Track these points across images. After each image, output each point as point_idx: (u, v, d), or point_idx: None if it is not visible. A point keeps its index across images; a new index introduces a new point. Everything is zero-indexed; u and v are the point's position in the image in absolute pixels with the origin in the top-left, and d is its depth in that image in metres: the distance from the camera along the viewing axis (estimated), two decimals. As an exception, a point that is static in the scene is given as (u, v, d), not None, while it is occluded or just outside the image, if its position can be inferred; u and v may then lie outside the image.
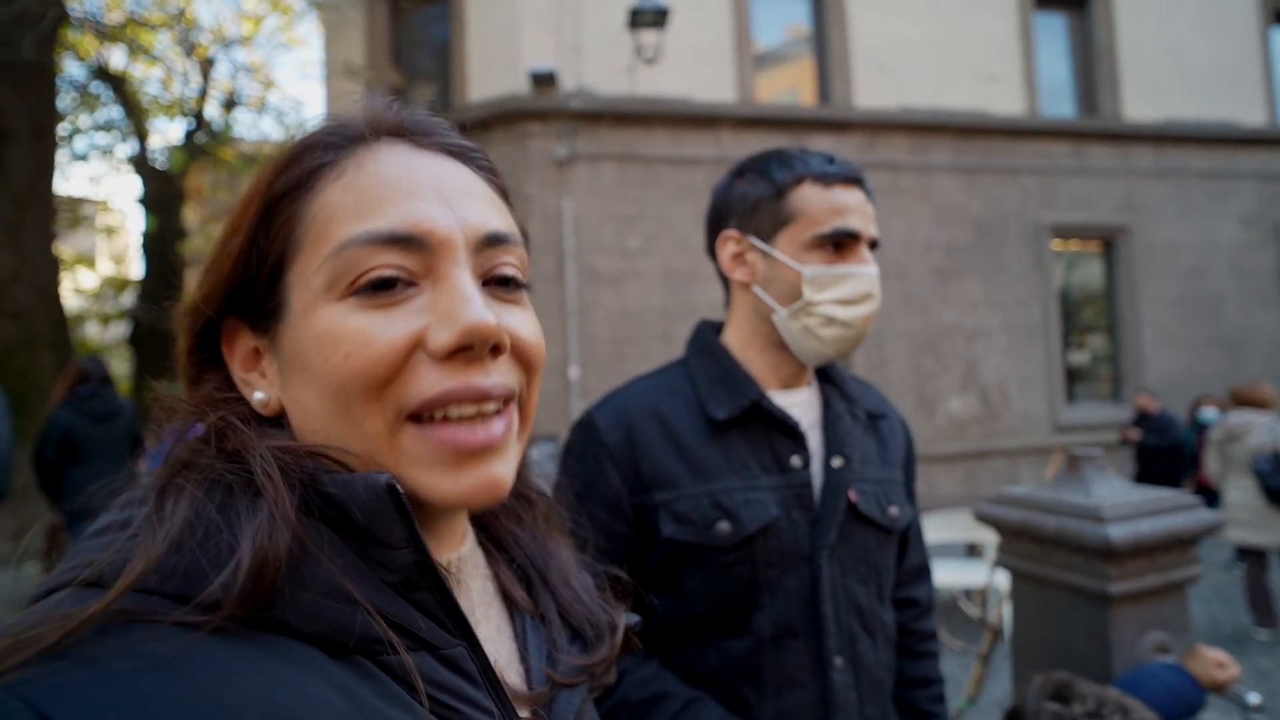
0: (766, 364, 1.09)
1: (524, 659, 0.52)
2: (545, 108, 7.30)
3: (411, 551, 0.42)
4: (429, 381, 0.43)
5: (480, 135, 7.52)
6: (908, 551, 1.18)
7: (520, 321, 0.48)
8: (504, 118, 7.37)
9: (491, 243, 0.47)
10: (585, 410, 1.11)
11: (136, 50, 8.43)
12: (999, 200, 8.43)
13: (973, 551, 5.21)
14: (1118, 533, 1.34)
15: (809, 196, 1.03)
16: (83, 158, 9.91)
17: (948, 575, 4.35)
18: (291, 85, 28.46)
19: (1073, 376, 8.92)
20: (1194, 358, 8.96)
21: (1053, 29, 9.04)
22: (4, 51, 5.80)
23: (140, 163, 9.37)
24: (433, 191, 0.46)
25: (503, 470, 0.45)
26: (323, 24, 8.57)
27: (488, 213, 0.48)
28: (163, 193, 9.14)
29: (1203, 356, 8.99)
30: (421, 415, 0.43)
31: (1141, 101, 8.93)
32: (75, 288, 11.67)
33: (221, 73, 9.87)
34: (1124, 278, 8.87)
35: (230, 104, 9.55)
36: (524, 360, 0.48)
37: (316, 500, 0.41)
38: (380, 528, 0.41)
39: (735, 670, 0.99)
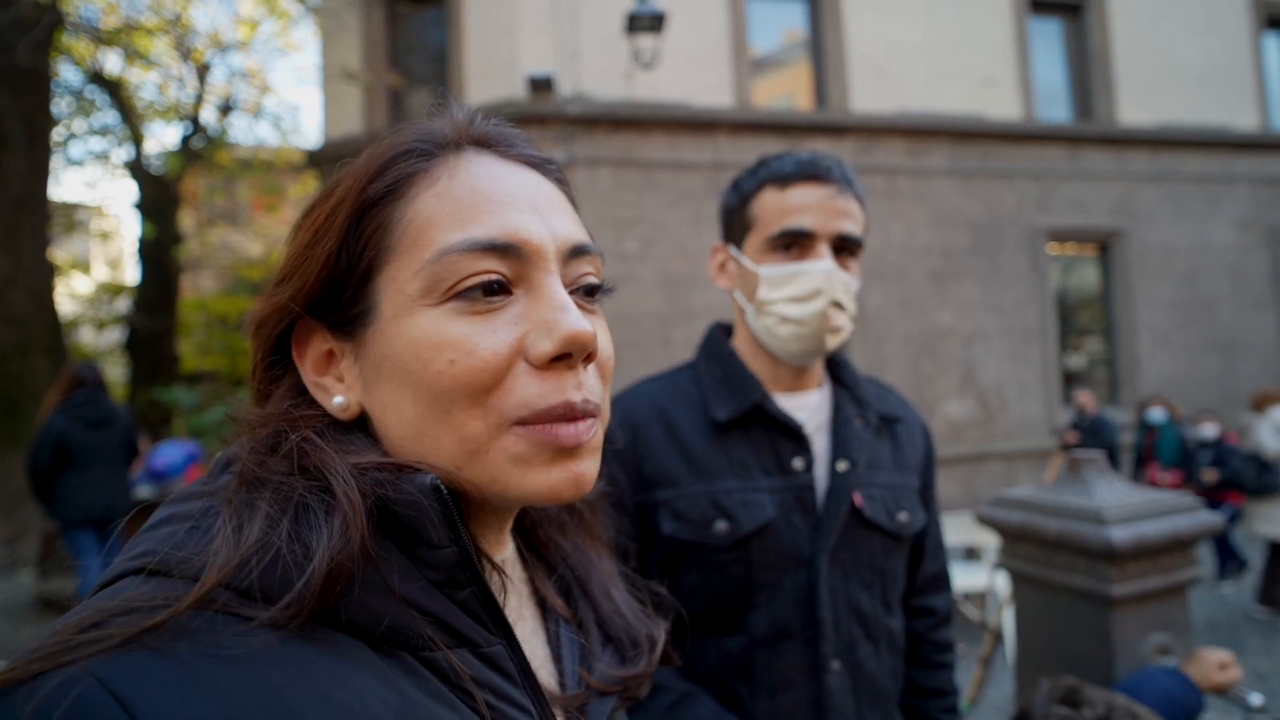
0: (769, 366, 1.10)
1: (557, 662, 0.53)
2: (542, 112, 7.31)
3: (454, 551, 0.42)
4: (532, 392, 0.44)
5: (477, 140, 7.51)
6: (924, 559, 1.17)
7: (602, 332, 0.49)
8: (501, 122, 7.36)
9: (577, 253, 0.48)
10: None
11: (132, 55, 8.42)
12: (995, 204, 8.46)
13: (971, 555, 5.21)
14: (1119, 535, 1.34)
15: (766, 200, 1.06)
16: (78, 163, 9.89)
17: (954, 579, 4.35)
18: (288, 90, 28.35)
19: (1070, 379, 8.94)
20: (1190, 361, 8.99)
21: (1048, 34, 9.09)
22: (0, 57, 5.80)
23: (136, 168, 9.35)
24: (525, 202, 0.46)
25: (589, 468, 0.46)
26: (319, 29, 8.57)
27: (572, 224, 0.49)
28: (159, 198, 9.12)
29: (1198, 359, 9.02)
30: (525, 422, 0.44)
31: (1136, 106, 8.98)
32: (71, 293, 11.63)
33: (218, 78, 9.88)
34: (1120, 281, 8.90)
35: (226, 109, 9.53)
36: (603, 371, 0.49)
37: (373, 506, 0.42)
38: (424, 526, 0.42)
39: (730, 669, 1.00)
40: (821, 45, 8.28)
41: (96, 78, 8.90)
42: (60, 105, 8.85)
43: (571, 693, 0.51)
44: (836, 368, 1.16)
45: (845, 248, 1.04)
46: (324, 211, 0.47)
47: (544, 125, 7.35)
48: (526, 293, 0.45)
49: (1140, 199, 8.95)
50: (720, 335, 1.16)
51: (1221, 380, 9.07)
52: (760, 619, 1.00)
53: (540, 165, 0.51)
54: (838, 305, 1.03)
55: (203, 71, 9.13)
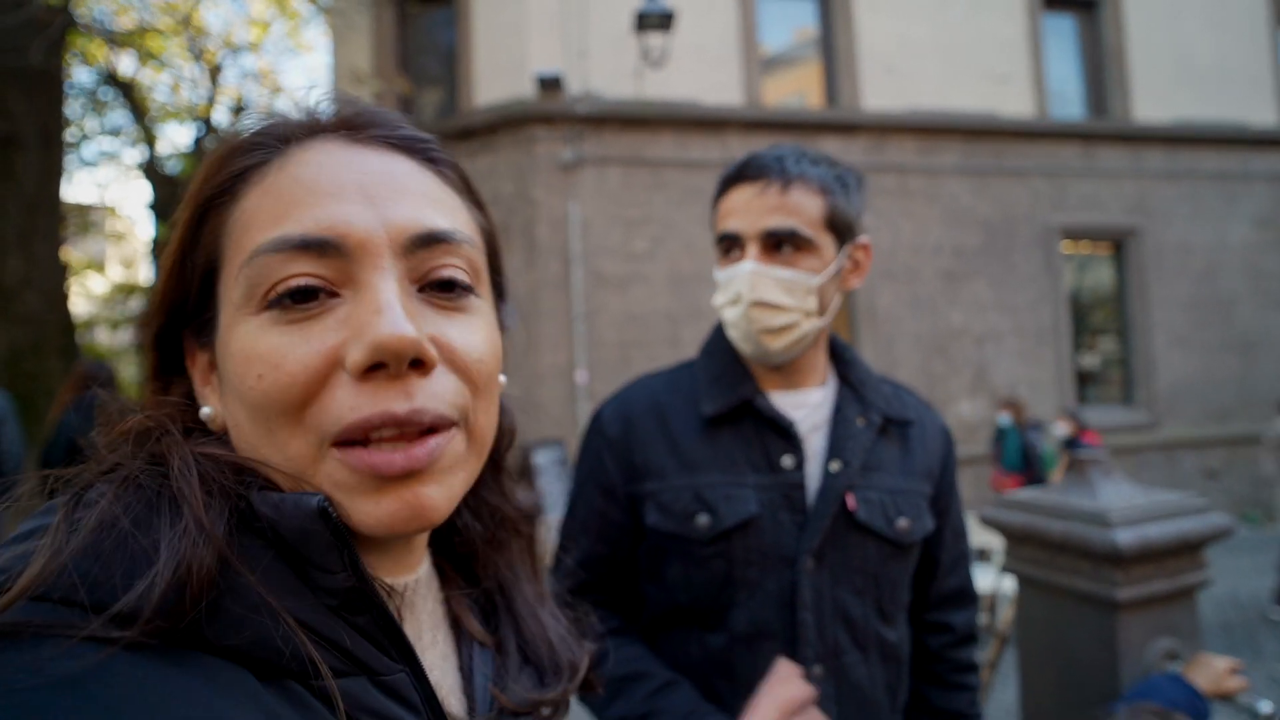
0: (759, 363, 1.08)
1: (468, 689, 0.50)
2: (551, 112, 7.31)
3: (348, 575, 0.39)
4: (347, 406, 0.39)
5: (487, 140, 7.53)
6: (939, 572, 1.13)
7: (461, 331, 0.43)
8: (510, 122, 7.38)
9: (426, 243, 0.42)
10: (601, 401, 1.16)
11: (145, 56, 8.50)
12: (1008, 202, 8.37)
13: (983, 556, 5.16)
14: (1125, 537, 1.31)
15: (718, 206, 1.08)
16: (92, 164, 10.00)
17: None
18: (298, 90, 28.55)
19: (1083, 380, 8.84)
20: (1207, 361, 8.86)
21: (1061, 30, 8.98)
22: (12, 58, 5.86)
23: (149, 169, 9.44)
24: (356, 190, 0.42)
25: (433, 494, 0.41)
26: (330, 29, 8.61)
27: (424, 209, 0.43)
28: (172, 199, 9.19)
29: (1215, 359, 8.89)
30: (344, 441, 0.40)
31: (1151, 102, 8.85)
32: (85, 293, 11.75)
33: (230, 79, 9.94)
34: (1135, 280, 8.78)
35: (238, 109, 9.59)
36: (467, 376, 0.43)
37: (251, 517, 0.39)
38: (313, 551, 0.38)
39: (711, 664, 1.00)
40: (832, 43, 8.22)
41: (110, 79, 8.99)
42: (74, 106, 8.94)
43: (481, 714, 0.48)
44: (844, 366, 1.13)
45: (784, 242, 1.00)
46: (177, 217, 0.45)
47: (552, 124, 7.35)
48: (354, 294, 0.40)
49: (1156, 197, 8.83)
50: (722, 333, 1.14)
51: (1240, 381, 8.94)
52: (741, 616, 0.99)
53: (407, 146, 0.46)
54: (763, 305, 1.00)
55: (215, 73, 9.20)
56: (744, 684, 0.96)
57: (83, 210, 11.34)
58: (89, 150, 9.91)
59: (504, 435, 0.54)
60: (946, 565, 1.14)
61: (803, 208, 1.01)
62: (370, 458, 0.39)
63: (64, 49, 6.87)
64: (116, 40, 7.92)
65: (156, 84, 9.64)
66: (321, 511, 0.38)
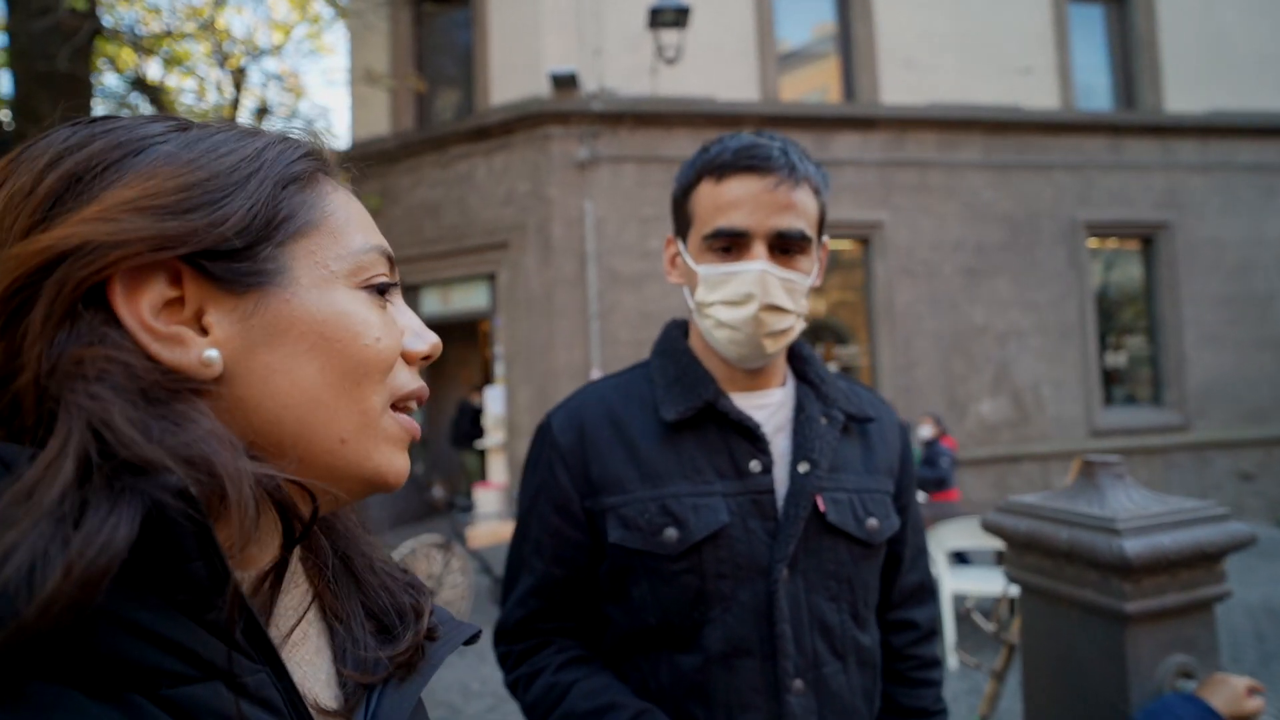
0: (723, 365, 1.03)
1: (342, 678, 0.48)
2: (566, 110, 7.30)
3: (203, 564, 0.35)
4: (408, 379, 0.50)
5: (502, 139, 7.54)
6: (902, 568, 1.10)
7: None
8: (525, 120, 7.38)
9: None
10: (547, 412, 1.08)
11: (171, 61, 8.65)
12: (1032, 197, 8.19)
13: (1002, 559, 5.03)
14: (1134, 547, 1.24)
15: (702, 195, 0.99)
16: (121, 166, 10.19)
17: (964, 583, 4.20)
18: (318, 92, 28.92)
19: (1110, 379, 8.62)
20: (1240, 359, 8.59)
21: (1089, 20, 8.76)
22: (41, 64, 5.99)
23: (175, 171, 9.59)
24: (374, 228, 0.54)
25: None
26: (348, 31, 8.69)
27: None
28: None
29: (1249, 358, 8.61)
30: (398, 405, 0.49)
31: (1184, 93, 8.60)
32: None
33: (253, 82, 10.09)
34: (1165, 276, 8.54)
35: (262, 112, 9.73)
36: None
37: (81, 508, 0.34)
38: (169, 537, 0.35)
39: (685, 688, 0.93)
40: (850, 37, 8.11)
41: (138, 83, 9.16)
42: (103, 110, 9.12)
43: (347, 700, 0.48)
44: (801, 364, 1.09)
45: (789, 243, 0.96)
46: (243, 166, 0.45)
47: (567, 122, 7.34)
48: (391, 300, 0.51)
49: (1188, 190, 8.58)
50: (676, 333, 1.10)
51: (1276, 380, 8.65)
52: (716, 634, 0.93)
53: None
54: (773, 308, 0.95)
55: (239, 76, 9.34)
56: (721, 707, 0.92)
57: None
58: (117, 153, 10.09)
59: None
60: (908, 561, 1.10)
61: (807, 208, 0.97)
62: (410, 422, 0.50)
63: (92, 54, 7.01)
64: (143, 45, 8.06)
65: (182, 88, 9.82)
66: (181, 490, 0.35)
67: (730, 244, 0.97)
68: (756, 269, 0.94)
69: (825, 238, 1.05)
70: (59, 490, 0.32)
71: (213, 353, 0.41)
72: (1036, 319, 8.11)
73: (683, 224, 1.04)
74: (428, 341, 0.52)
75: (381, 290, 0.49)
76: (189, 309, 0.42)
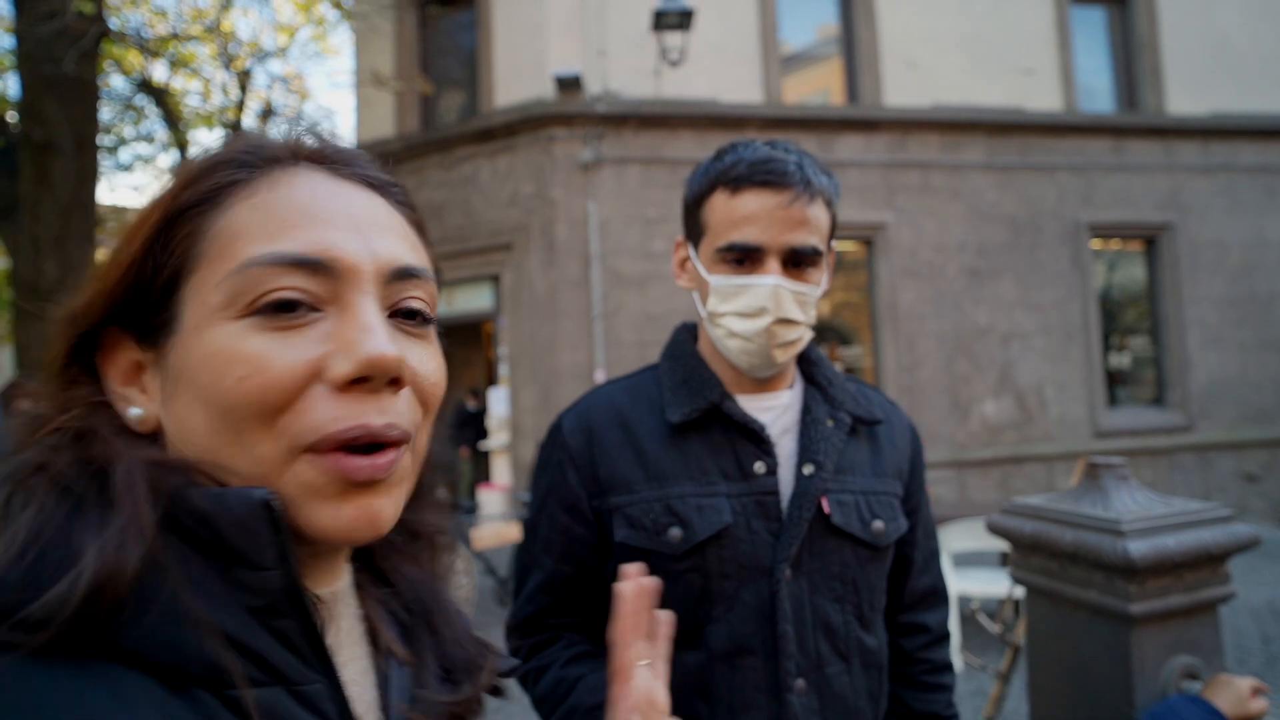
0: (730, 368, 1.05)
1: (384, 703, 0.49)
2: (570, 111, 7.32)
3: (280, 575, 0.39)
4: (325, 415, 0.41)
5: (506, 140, 7.57)
6: (912, 571, 1.11)
7: (422, 358, 0.47)
8: (530, 122, 7.40)
9: (401, 276, 0.46)
10: (558, 413, 1.10)
11: (177, 64, 8.68)
12: (1035, 199, 8.20)
13: (1006, 560, 5.05)
14: (1139, 548, 1.26)
15: (716, 206, 1.00)
16: (127, 168, 10.24)
17: (969, 585, 4.21)
18: (323, 94, 28.92)
19: (1114, 380, 8.62)
20: (1244, 360, 8.58)
21: (1091, 22, 8.77)
22: (48, 67, 6.02)
23: (180, 173, 9.63)
24: (346, 220, 0.45)
25: (386, 506, 0.44)
26: (353, 33, 8.72)
27: (400, 246, 0.47)
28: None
29: (1253, 359, 8.61)
30: (318, 449, 0.42)
31: (1186, 95, 8.60)
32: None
33: (259, 84, 10.13)
34: (1168, 277, 8.54)
35: (267, 114, 9.76)
36: (422, 398, 0.47)
37: (182, 515, 0.38)
38: (249, 545, 0.38)
39: (689, 685, 0.95)
40: (854, 39, 8.12)
41: (144, 86, 9.20)
42: (110, 112, 9.16)
43: None
44: (810, 366, 1.10)
45: (801, 259, 0.98)
46: (138, 218, 0.45)
47: (571, 124, 7.36)
48: (337, 312, 0.43)
49: (1190, 191, 8.58)
50: (685, 336, 1.11)
51: (1279, 380, 8.65)
52: (719, 633, 0.95)
53: (380, 187, 0.50)
54: (785, 321, 0.97)
55: (244, 78, 9.38)
56: (723, 704, 0.94)
57: (118, 213, 11.63)
58: (124, 155, 10.15)
59: (429, 458, 0.56)
60: (919, 565, 1.11)
61: (820, 223, 0.99)
62: (342, 461, 0.41)
63: (98, 57, 7.04)
64: (149, 48, 8.09)
65: (188, 90, 9.86)
66: (266, 503, 0.39)
67: (744, 258, 0.98)
68: (770, 284, 0.96)
69: (833, 243, 1.07)
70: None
71: (135, 410, 0.45)
72: (1040, 320, 8.12)
73: (694, 231, 1.05)
74: (354, 357, 0.41)
75: (288, 307, 0.42)
76: (145, 372, 0.46)
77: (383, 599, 0.54)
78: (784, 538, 0.96)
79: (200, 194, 0.44)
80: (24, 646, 0.32)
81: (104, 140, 8.64)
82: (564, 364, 7.21)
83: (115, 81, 9.00)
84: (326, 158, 0.48)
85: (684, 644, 0.96)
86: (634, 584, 0.68)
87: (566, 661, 1.01)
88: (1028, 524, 1.45)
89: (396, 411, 0.44)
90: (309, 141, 0.48)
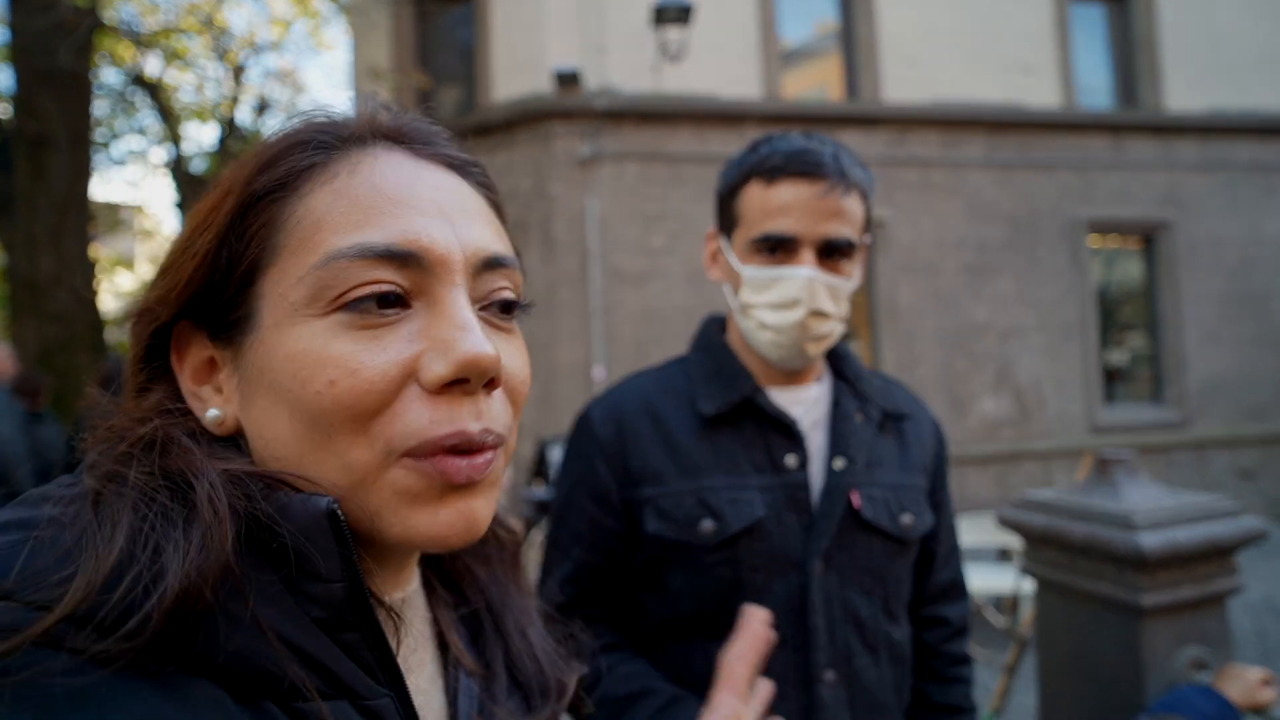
0: (760, 361, 1.04)
1: (453, 713, 0.48)
2: (569, 107, 7.29)
3: (345, 586, 0.37)
4: (423, 420, 0.39)
5: (505, 136, 7.54)
6: (934, 565, 1.11)
7: (512, 353, 0.45)
8: (528, 118, 7.38)
9: (491, 266, 0.44)
10: (586, 404, 1.10)
11: (171, 57, 8.62)
12: (1033, 196, 8.21)
13: (1004, 556, 5.06)
14: (1150, 541, 1.26)
15: (751, 196, 0.99)
16: (121, 162, 10.18)
17: (974, 580, 4.21)
18: (319, 89, 28.77)
19: (1111, 377, 8.64)
20: (1240, 358, 8.61)
21: (1090, 18, 8.77)
22: (42, 60, 5.97)
23: (175, 168, 9.59)
24: (433, 206, 0.42)
25: (484, 508, 0.42)
26: (350, 27, 8.67)
27: (488, 233, 0.45)
28: (197, 197, 9.33)
29: (1250, 356, 8.64)
30: (414, 454, 0.40)
31: (1184, 92, 8.61)
32: (114, 290, 11.99)
33: (252, 78, 10.07)
34: (1165, 274, 8.57)
35: (261, 108, 9.71)
36: (512, 397, 0.45)
37: (252, 526, 0.37)
38: (313, 556, 0.37)
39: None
40: (853, 34, 8.11)
41: (138, 79, 9.13)
42: (103, 106, 9.10)
43: None
44: (838, 360, 1.10)
45: (835, 250, 0.97)
46: (208, 204, 0.43)
47: (570, 120, 7.33)
48: (426, 307, 0.41)
49: (1188, 189, 8.60)
50: (714, 328, 1.11)
51: (1277, 378, 8.68)
52: None
53: (461, 167, 0.47)
54: (819, 314, 0.97)
55: (238, 72, 9.32)
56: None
57: (112, 208, 11.56)
58: (118, 149, 10.08)
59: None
60: (941, 558, 1.11)
61: (855, 215, 0.98)
62: (444, 465, 0.39)
63: (92, 50, 6.98)
64: (143, 41, 8.03)
65: (182, 84, 9.80)
66: (330, 513, 0.37)
67: (777, 247, 0.97)
68: (805, 275, 0.95)
69: (868, 238, 1.07)
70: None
71: (213, 412, 0.43)
72: (1038, 317, 8.14)
73: (728, 222, 1.04)
74: (451, 360, 0.39)
75: (381, 303, 0.40)
76: (220, 370, 0.43)
77: (452, 603, 0.52)
78: (815, 531, 0.96)
79: (276, 179, 0.42)
80: (117, 661, 0.32)
81: (98, 135, 8.57)
82: (562, 360, 7.19)
83: (108, 75, 8.94)
84: (405, 135, 0.45)
85: (714, 635, 0.96)
86: (761, 622, 0.67)
87: (594, 653, 1.01)
88: (1039, 517, 1.45)
89: (493, 414, 0.42)
90: (385, 118, 0.46)
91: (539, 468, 6.15)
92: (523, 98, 7.45)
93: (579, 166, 7.35)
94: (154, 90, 9.24)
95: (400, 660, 0.42)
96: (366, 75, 7.92)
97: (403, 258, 0.40)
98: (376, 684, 0.40)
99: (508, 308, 0.45)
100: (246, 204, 0.41)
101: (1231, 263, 8.66)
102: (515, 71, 7.59)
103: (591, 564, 1.03)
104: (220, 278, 0.41)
